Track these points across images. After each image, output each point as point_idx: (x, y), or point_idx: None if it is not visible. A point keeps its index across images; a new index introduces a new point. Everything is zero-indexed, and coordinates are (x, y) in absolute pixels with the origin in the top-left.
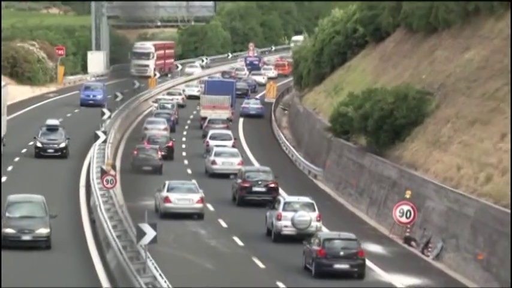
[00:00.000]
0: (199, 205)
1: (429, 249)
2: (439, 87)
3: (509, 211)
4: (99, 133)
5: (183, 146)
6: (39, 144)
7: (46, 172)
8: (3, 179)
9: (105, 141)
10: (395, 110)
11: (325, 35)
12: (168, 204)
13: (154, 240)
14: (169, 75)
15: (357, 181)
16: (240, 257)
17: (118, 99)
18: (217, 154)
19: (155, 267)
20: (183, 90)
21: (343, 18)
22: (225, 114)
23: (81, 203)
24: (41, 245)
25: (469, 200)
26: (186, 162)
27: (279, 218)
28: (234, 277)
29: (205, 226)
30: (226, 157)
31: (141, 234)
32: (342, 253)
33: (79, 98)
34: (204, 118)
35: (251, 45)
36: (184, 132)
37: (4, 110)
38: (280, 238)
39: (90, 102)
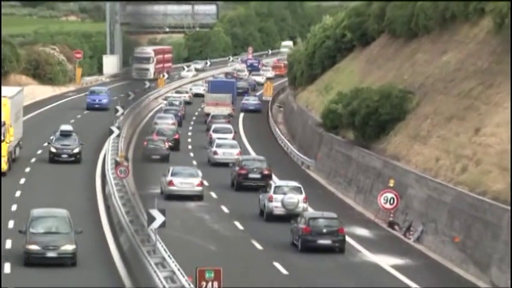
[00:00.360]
0: (199, 188)
1: (411, 232)
2: (419, 87)
3: (483, 198)
4: (114, 128)
5: (189, 139)
6: (53, 150)
7: (62, 170)
8: (22, 180)
9: (118, 136)
10: (380, 107)
11: (317, 39)
12: (171, 187)
13: (163, 225)
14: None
15: (346, 171)
16: (241, 239)
17: (130, 97)
18: (219, 145)
19: (164, 249)
20: (190, 89)
21: (333, 24)
22: (226, 110)
23: (98, 191)
24: (66, 262)
25: (446, 188)
26: (191, 153)
27: (270, 200)
28: (235, 258)
29: (209, 212)
30: (226, 148)
31: (151, 219)
32: (324, 230)
33: (85, 102)
34: (208, 114)
35: (250, 49)
36: (190, 127)
37: (20, 114)
38: (271, 218)
39: (96, 106)
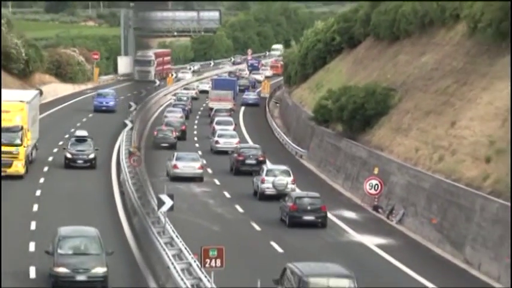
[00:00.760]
0: (200, 171)
1: (393, 215)
2: (401, 85)
3: (458, 185)
4: (127, 122)
5: (195, 131)
6: (68, 155)
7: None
8: (41, 180)
9: (132, 129)
10: (365, 103)
11: (309, 42)
12: (176, 170)
13: (171, 208)
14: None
15: (335, 160)
16: (241, 221)
17: (142, 94)
18: (220, 135)
19: (172, 230)
20: (197, 86)
21: (324, 29)
22: (228, 105)
23: (113, 179)
24: (97, 285)
25: (425, 176)
26: (196, 144)
27: (262, 182)
28: (236, 237)
29: (214, 197)
30: (227, 138)
31: (161, 203)
32: (309, 208)
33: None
34: (212, 108)
35: (249, 51)
36: (196, 120)
37: (37, 117)
38: (263, 197)
39: (103, 108)
